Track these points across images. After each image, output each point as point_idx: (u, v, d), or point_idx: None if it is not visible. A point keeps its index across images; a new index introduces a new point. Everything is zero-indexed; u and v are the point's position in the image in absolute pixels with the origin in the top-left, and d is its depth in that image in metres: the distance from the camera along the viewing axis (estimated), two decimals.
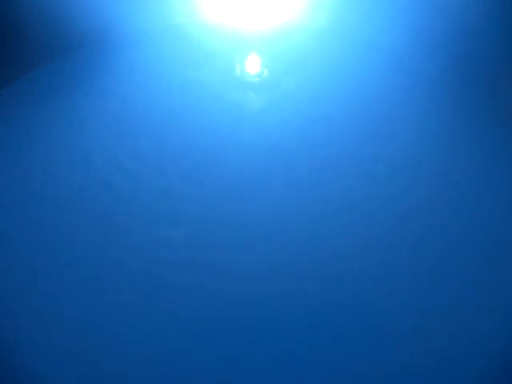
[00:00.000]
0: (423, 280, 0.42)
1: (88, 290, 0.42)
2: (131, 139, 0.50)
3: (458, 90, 0.53)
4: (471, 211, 0.46)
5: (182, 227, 0.45)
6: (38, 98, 0.53)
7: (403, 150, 0.49)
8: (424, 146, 0.50)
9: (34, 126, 0.51)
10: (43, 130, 0.51)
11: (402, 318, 0.41)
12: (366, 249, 0.44)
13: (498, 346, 0.40)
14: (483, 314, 0.41)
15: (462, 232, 0.45)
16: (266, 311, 0.41)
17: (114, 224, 0.45)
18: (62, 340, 0.40)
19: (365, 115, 0.52)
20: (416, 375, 0.39)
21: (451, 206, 0.46)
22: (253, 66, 0.57)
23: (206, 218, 0.46)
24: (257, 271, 0.43)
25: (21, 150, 0.50)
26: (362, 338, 0.40)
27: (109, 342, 0.40)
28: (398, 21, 0.56)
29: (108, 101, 0.53)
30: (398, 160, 0.49)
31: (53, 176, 0.48)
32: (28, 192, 0.47)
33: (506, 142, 0.49)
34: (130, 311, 0.41)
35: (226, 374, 0.39)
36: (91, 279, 0.42)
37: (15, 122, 0.51)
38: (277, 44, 0.58)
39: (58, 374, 0.38)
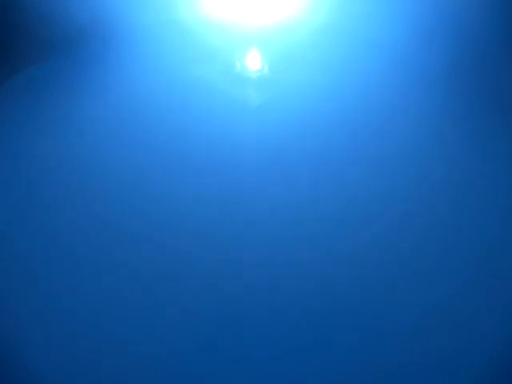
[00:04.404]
0: (423, 279, 0.42)
1: (88, 290, 0.42)
2: (131, 136, 0.50)
3: (459, 87, 0.53)
4: (471, 211, 0.46)
5: (182, 226, 0.45)
6: (37, 95, 0.53)
7: (404, 148, 0.49)
8: (425, 144, 0.50)
9: (32, 123, 0.51)
10: (42, 127, 0.51)
11: (402, 317, 0.41)
12: (366, 248, 0.44)
13: (498, 345, 0.40)
14: (483, 313, 0.41)
15: (462, 231, 0.45)
16: (265, 311, 0.41)
17: (115, 224, 0.45)
18: (61, 340, 0.40)
19: (365, 111, 0.52)
20: (415, 374, 0.39)
21: (451, 206, 0.46)
22: (253, 62, 0.57)
23: (205, 215, 0.45)
24: (256, 270, 0.43)
25: (19, 148, 0.49)
26: (361, 336, 0.40)
27: (109, 341, 0.40)
28: (399, 17, 0.55)
29: (108, 97, 0.53)
30: (398, 158, 0.49)
31: (52, 175, 0.48)
32: (27, 191, 0.47)
33: (507, 141, 0.49)
34: (130, 311, 0.41)
35: (225, 374, 0.39)
36: (91, 279, 0.42)
37: (14, 119, 0.51)
38: (278, 40, 0.58)
39: (57, 374, 0.38)
